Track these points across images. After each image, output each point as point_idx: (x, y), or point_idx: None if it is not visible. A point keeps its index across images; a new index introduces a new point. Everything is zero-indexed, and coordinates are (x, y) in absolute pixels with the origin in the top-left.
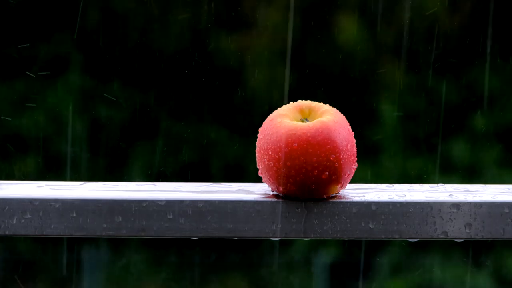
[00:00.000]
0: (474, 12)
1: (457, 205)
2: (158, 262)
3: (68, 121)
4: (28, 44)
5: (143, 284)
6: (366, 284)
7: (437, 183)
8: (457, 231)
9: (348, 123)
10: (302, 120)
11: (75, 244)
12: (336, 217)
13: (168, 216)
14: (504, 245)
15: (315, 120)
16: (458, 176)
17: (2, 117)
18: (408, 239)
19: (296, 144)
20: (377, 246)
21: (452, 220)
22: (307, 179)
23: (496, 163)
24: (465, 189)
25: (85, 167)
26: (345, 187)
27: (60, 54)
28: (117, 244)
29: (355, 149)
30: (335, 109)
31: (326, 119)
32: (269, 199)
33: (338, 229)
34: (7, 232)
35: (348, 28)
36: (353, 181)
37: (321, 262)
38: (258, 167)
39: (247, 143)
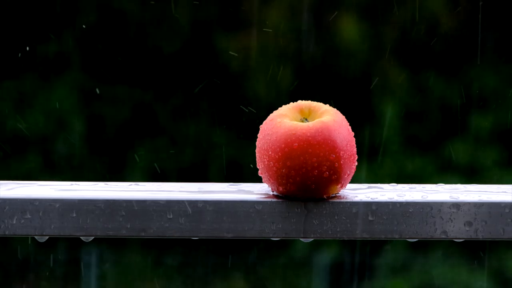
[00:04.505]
0: (475, 12)
1: (457, 205)
2: (158, 262)
3: (68, 120)
4: (29, 44)
5: (143, 284)
6: (366, 284)
7: (437, 183)
8: (457, 231)
9: (348, 123)
10: (302, 120)
11: (75, 244)
12: (336, 217)
13: (168, 216)
14: (504, 245)
15: (315, 120)
16: (458, 176)
17: (2, 117)
18: (408, 239)
19: (296, 144)
20: (377, 246)
21: (452, 220)
22: (307, 179)
23: (496, 163)
24: (465, 189)
25: (85, 167)
26: (345, 187)
27: (60, 53)
28: (117, 244)
29: (355, 149)
30: (335, 109)
31: (326, 119)
32: (269, 199)
33: (338, 229)
34: (7, 232)
35: (349, 28)
36: (354, 181)
37: (321, 262)
38: (258, 167)
39: (247, 143)
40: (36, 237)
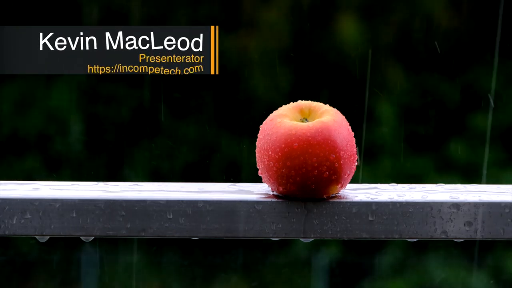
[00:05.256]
0: (474, 12)
1: (457, 205)
2: (158, 262)
3: (68, 120)
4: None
5: (143, 284)
6: (366, 284)
7: (437, 183)
8: (457, 231)
9: (348, 123)
10: (302, 120)
11: (75, 244)
12: (336, 217)
13: (168, 216)
14: (504, 245)
15: (315, 120)
16: (458, 176)
17: (2, 117)
18: (408, 239)
19: (296, 144)
20: (377, 246)
21: (452, 220)
22: (307, 179)
23: (496, 163)
24: (465, 189)
25: (85, 167)
26: (345, 187)
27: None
28: (117, 244)
29: (355, 149)
30: (335, 109)
31: (326, 119)
32: (269, 199)
33: (338, 229)
34: (7, 232)
35: (348, 28)
36: (354, 181)
37: (321, 262)
38: (258, 167)
39: (247, 143)
40: (37, 237)
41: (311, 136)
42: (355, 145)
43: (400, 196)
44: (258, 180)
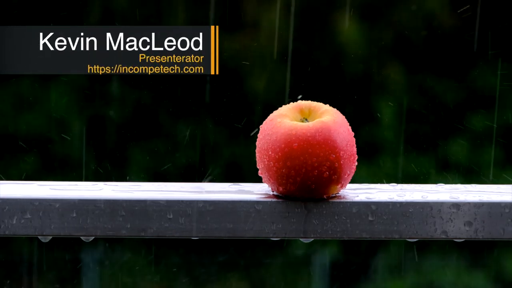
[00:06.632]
0: (474, 12)
1: (457, 205)
2: (158, 262)
3: (68, 121)
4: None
5: (143, 284)
6: (366, 284)
7: (437, 183)
8: (457, 231)
9: (348, 123)
10: (302, 120)
11: (75, 244)
12: (336, 217)
13: (168, 216)
14: (504, 245)
15: (315, 120)
16: (458, 176)
17: (2, 117)
18: (408, 239)
19: (296, 144)
20: (377, 246)
21: (452, 220)
22: (307, 179)
23: (496, 163)
24: (465, 189)
25: (85, 167)
26: (345, 187)
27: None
28: (116, 244)
29: (355, 149)
30: (335, 109)
31: (326, 119)
32: (269, 199)
33: (338, 229)
34: (7, 232)
35: (348, 28)
36: (353, 181)
37: (321, 262)
38: (258, 167)
39: (247, 143)
40: (39, 237)
41: (311, 136)
42: (355, 145)
43: (400, 196)
44: (258, 180)
